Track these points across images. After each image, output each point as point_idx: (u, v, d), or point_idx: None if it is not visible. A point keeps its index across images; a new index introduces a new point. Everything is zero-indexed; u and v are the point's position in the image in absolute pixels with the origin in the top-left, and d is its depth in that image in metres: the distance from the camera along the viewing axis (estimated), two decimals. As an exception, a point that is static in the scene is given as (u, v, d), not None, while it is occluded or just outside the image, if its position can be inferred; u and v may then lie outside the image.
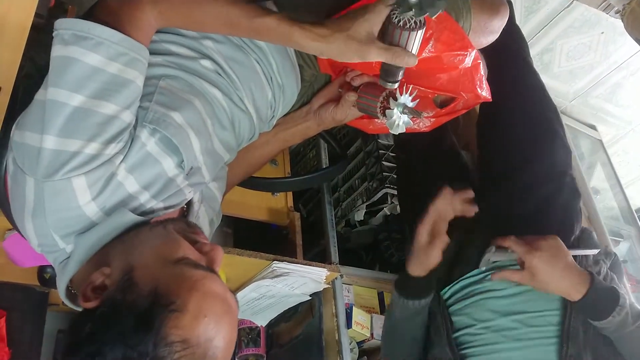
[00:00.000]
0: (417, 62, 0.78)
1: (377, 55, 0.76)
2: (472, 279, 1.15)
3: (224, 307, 0.66)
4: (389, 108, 0.89)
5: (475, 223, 1.21)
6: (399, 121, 0.89)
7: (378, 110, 0.91)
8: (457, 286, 1.17)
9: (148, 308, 0.62)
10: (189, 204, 0.86)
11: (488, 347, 1.07)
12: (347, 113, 1.01)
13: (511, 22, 1.54)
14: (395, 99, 0.88)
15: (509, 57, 1.39)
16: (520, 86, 1.36)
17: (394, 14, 0.75)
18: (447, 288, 1.18)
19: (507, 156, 1.28)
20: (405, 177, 1.58)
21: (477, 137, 1.46)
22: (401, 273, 1.11)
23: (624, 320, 0.97)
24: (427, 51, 0.95)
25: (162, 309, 0.62)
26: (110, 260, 0.70)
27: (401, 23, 0.75)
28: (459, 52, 0.97)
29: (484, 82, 1.05)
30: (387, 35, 0.77)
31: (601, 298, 0.98)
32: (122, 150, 0.72)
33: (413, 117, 0.89)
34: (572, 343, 1.00)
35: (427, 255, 1.04)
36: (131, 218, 0.73)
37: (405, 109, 0.88)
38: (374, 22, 0.76)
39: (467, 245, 1.19)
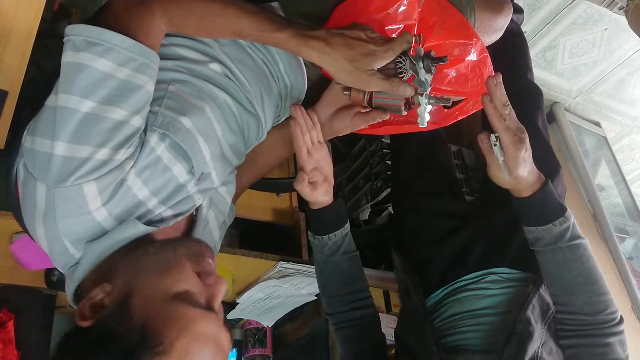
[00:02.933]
0: (414, 93, 0.84)
1: (376, 86, 0.81)
2: (468, 280, 1.17)
3: (213, 350, 0.64)
4: (413, 102, 0.89)
5: (475, 231, 1.23)
6: (426, 113, 0.89)
7: (403, 106, 0.90)
8: (454, 287, 1.18)
9: (135, 345, 0.61)
10: (198, 209, 0.86)
11: (471, 327, 1.09)
12: (368, 121, 0.97)
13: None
14: (419, 93, 0.88)
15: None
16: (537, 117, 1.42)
17: (399, 65, 0.83)
18: (442, 290, 1.19)
19: None
20: (394, 181, 1.60)
21: None
22: (309, 215, 1.12)
23: (561, 234, 0.96)
24: (431, 40, 0.95)
25: (148, 349, 0.60)
26: (113, 275, 0.70)
27: (402, 75, 0.84)
28: (464, 41, 0.97)
29: None
30: (381, 70, 0.83)
31: (548, 202, 0.97)
32: (133, 156, 0.72)
33: (441, 104, 0.90)
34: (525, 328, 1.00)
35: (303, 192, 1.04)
36: (141, 229, 0.73)
37: (431, 99, 0.88)
38: (380, 64, 0.80)
39: (466, 254, 1.21)
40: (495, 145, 0.92)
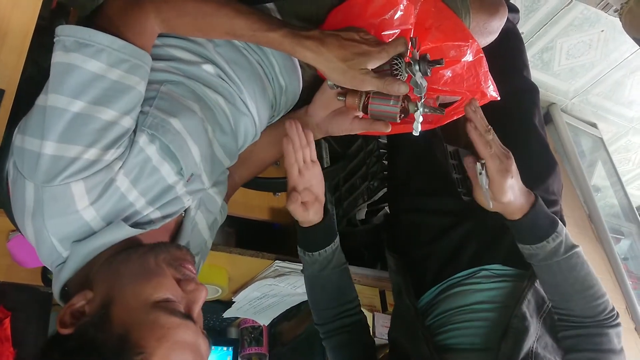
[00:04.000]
0: (408, 90, 0.83)
1: (370, 85, 0.81)
2: (461, 277, 1.18)
3: (192, 358, 0.66)
4: (408, 110, 0.90)
5: (469, 229, 1.24)
6: (419, 122, 0.89)
7: (398, 114, 0.90)
8: (448, 284, 1.19)
9: (115, 354, 0.62)
10: (186, 211, 0.86)
11: (465, 323, 1.10)
12: (368, 129, 0.98)
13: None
14: (413, 101, 0.88)
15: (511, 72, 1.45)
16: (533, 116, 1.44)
17: (395, 67, 0.84)
18: (436, 287, 1.20)
19: None
20: (391, 181, 1.61)
21: None
22: (299, 232, 1.10)
23: (556, 249, 0.96)
24: (427, 42, 0.96)
25: (129, 358, 0.61)
26: (95, 283, 0.70)
27: (398, 77, 0.84)
28: (460, 43, 0.97)
29: (489, 78, 1.04)
30: (379, 73, 0.83)
31: (540, 221, 0.97)
32: (122, 156, 0.72)
33: (435, 114, 0.90)
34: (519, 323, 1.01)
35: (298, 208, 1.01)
36: (128, 232, 0.74)
37: (425, 107, 0.88)
38: (374, 65, 0.80)
39: (460, 251, 1.22)
40: (480, 173, 0.92)
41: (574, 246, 0.98)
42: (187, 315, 0.68)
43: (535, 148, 1.40)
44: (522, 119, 1.43)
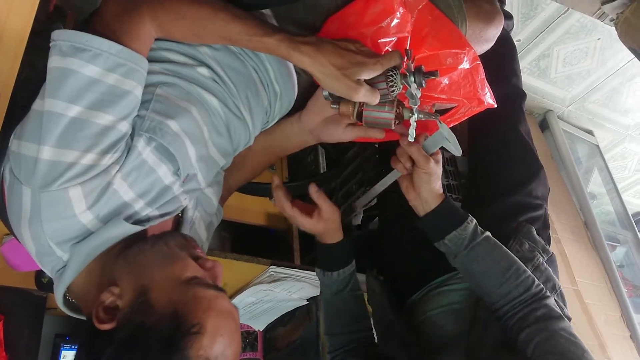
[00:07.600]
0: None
1: (362, 97, 0.81)
2: (444, 278, 1.20)
3: (233, 323, 0.69)
4: (402, 117, 0.90)
5: None
6: (414, 128, 0.90)
7: (393, 121, 0.91)
8: (432, 286, 1.21)
9: (172, 332, 0.64)
10: (184, 210, 0.87)
11: (443, 321, 1.13)
12: (357, 135, 0.99)
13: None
14: (408, 107, 0.89)
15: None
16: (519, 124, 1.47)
17: (390, 78, 0.84)
18: (421, 291, 1.23)
19: (496, 182, 1.38)
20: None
21: (469, 148, 1.50)
22: (319, 250, 1.14)
23: (475, 230, 1.02)
24: (424, 50, 0.96)
25: (186, 331, 0.64)
26: (117, 279, 0.71)
27: (393, 89, 0.86)
28: (456, 50, 0.98)
29: (486, 85, 1.05)
30: (372, 83, 0.85)
31: (454, 206, 1.04)
32: (119, 160, 0.72)
33: (430, 119, 0.91)
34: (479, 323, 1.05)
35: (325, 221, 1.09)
36: (127, 229, 0.74)
37: (420, 113, 0.89)
38: (368, 75, 0.81)
39: (442, 256, 1.23)
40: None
41: (483, 229, 1.03)
42: (218, 287, 0.72)
43: (518, 153, 1.42)
44: (506, 124, 1.45)
